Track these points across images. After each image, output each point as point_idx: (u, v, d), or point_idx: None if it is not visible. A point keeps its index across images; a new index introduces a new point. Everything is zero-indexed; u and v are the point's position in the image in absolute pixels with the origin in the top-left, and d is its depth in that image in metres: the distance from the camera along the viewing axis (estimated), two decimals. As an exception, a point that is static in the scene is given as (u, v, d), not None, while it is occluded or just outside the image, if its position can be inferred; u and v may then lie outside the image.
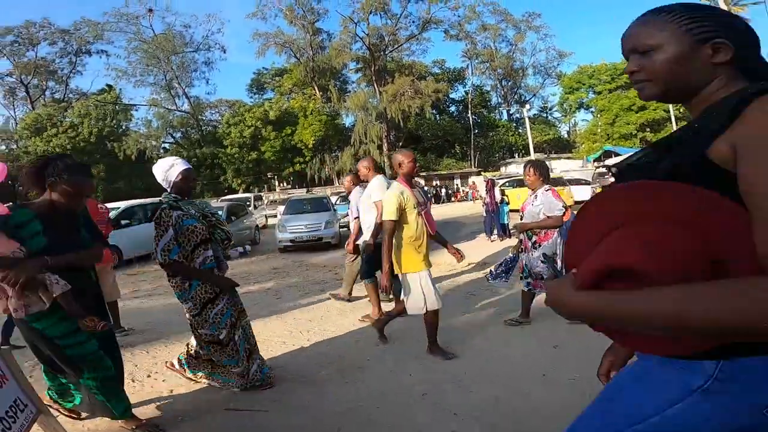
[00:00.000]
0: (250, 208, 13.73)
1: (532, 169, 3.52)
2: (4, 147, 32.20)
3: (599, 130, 33.19)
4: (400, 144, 36.88)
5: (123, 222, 10.07)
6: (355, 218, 4.45)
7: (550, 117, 43.86)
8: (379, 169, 4.19)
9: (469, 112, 38.85)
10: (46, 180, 2.02)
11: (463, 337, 3.35)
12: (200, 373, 2.72)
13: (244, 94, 43.35)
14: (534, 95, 43.19)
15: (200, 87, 61.05)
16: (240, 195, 22.09)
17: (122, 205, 11.07)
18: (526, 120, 31.22)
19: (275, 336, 3.73)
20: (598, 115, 34.09)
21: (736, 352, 0.76)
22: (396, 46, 36.41)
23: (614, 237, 0.78)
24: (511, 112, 43.01)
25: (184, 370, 2.77)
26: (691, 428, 0.82)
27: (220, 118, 35.65)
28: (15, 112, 34.83)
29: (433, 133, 37.47)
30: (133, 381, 2.88)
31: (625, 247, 0.75)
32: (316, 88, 36.03)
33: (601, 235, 0.80)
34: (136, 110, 35.10)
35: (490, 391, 2.43)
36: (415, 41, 36.86)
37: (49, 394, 2.31)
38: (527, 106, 35.74)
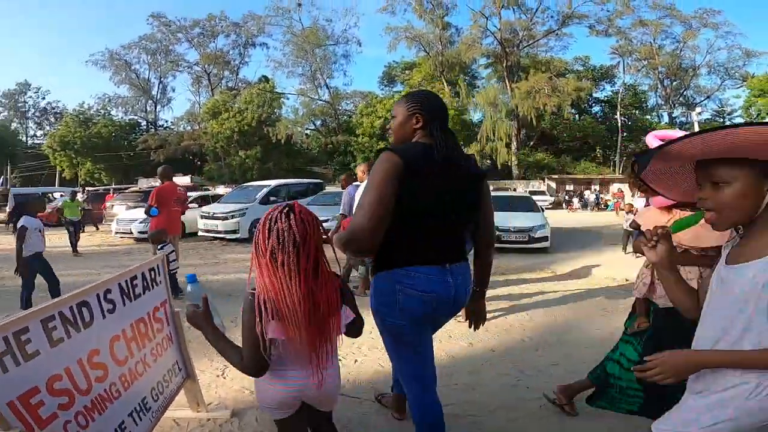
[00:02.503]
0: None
1: None
2: (189, 127, 39.72)
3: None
4: (531, 143, 34.83)
5: (271, 199, 11.69)
6: (344, 215, 4.94)
7: (728, 122, 36.52)
8: None
9: (618, 113, 34.56)
10: None
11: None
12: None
13: (375, 86, 45.51)
14: (708, 97, 36.51)
15: (338, 78, 66.16)
16: (368, 182, 23.59)
17: (272, 183, 12.83)
18: (695, 125, 26.40)
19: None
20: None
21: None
22: (531, 41, 34.17)
23: None
24: (674, 115, 36.95)
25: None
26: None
27: (354, 108, 37.78)
28: (199, 98, 42.63)
29: (570, 134, 34.43)
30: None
31: None
32: (444, 82, 35.93)
33: None
34: (287, 99, 39.72)
35: None
36: (553, 36, 34.13)
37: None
38: (698, 109, 30.26)
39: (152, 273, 2.01)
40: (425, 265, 1.52)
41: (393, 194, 1.42)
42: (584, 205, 24.26)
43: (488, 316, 4.13)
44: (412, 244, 1.51)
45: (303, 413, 1.38)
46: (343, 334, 1.34)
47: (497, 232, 8.42)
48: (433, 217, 1.51)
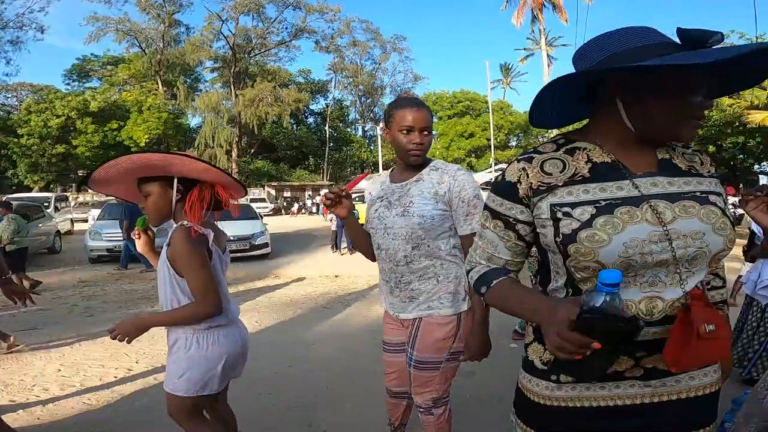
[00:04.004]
0: (49, 210, 11.63)
1: None
2: None
3: (437, 153, 37.37)
4: (252, 151, 35.16)
5: None
6: None
7: (394, 136, 47.14)
8: None
9: (327, 125, 39.41)
10: None
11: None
12: None
13: (59, 80, 35.83)
14: (388, 115, 46.15)
15: (-3, 67, 47.68)
16: (35, 194, 17.95)
17: None
18: (379, 138, 33.10)
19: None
20: (438, 139, 38.39)
21: None
22: (263, 50, 34.76)
23: None
24: (366, 129, 45.13)
25: None
26: None
27: (18, 103, 29.14)
28: None
29: (288, 143, 36.71)
30: None
31: None
32: (160, 82, 31.91)
33: None
34: None
35: None
36: (284, 48, 35.87)
37: None
38: (381, 125, 37.83)
39: None
40: None
41: None
42: (310, 212, 26.08)
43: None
44: None
45: None
46: None
47: None
48: None
